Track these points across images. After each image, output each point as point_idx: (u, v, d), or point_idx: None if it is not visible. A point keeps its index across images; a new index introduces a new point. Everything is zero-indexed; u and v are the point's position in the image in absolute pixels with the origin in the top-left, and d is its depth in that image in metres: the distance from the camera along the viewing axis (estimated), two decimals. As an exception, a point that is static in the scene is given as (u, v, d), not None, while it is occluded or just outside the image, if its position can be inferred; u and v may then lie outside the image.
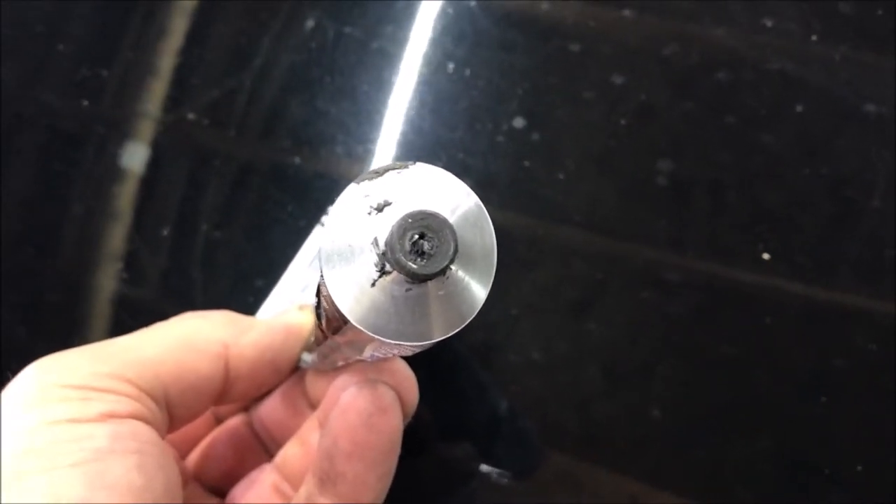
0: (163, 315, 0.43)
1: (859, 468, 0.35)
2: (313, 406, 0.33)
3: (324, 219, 0.31)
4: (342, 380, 0.28)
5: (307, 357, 0.31)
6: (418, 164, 0.23)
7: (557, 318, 0.38)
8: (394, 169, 0.22)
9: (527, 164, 0.40)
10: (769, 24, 0.41)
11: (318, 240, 0.31)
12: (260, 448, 0.34)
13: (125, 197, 0.44)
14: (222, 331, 0.29)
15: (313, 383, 0.32)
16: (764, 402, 0.37)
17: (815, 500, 0.35)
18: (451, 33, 0.42)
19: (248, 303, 0.41)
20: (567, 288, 0.39)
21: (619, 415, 0.38)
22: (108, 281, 0.43)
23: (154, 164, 0.44)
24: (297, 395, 0.33)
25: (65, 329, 0.43)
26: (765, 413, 0.37)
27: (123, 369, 0.25)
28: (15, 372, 0.25)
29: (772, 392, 0.37)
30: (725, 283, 0.38)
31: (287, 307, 0.32)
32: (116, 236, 0.44)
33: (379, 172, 0.22)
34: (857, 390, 0.36)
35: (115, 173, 0.44)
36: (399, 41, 0.43)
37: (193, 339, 0.28)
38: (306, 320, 0.31)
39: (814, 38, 0.40)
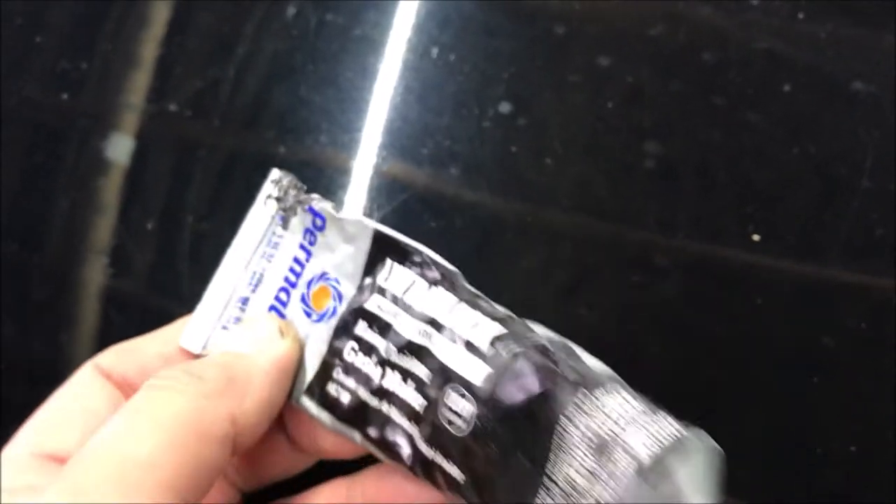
0: (150, 309, 0.43)
1: (853, 448, 0.35)
2: (291, 441, 0.32)
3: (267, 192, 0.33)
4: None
5: (308, 403, 0.30)
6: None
7: (547, 302, 0.38)
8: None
9: (514, 149, 0.40)
10: (755, 2, 0.40)
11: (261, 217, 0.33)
12: (231, 487, 0.33)
13: (110, 189, 0.44)
14: (225, 403, 0.26)
15: (296, 422, 0.32)
16: (755, 383, 0.37)
17: (807, 482, 0.35)
18: (435, 18, 0.42)
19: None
20: (556, 272, 0.39)
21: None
22: (94, 274, 0.43)
23: (139, 155, 0.44)
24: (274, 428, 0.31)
25: (52, 324, 0.43)
26: (756, 393, 0.37)
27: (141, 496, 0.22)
28: (4, 371, 0.24)
29: (763, 372, 0.37)
30: (715, 264, 0.38)
31: (259, 326, 0.31)
32: (102, 229, 0.43)
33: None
34: (849, 370, 0.36)
35: (99, 165, 0.44)
36: (382, 27, 0.42)
37: (198, 429, 0.24)
38: (293, 350, 0.30)
39: (801, 15, 0.40)
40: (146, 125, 0.44)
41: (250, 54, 0.43)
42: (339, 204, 0.40)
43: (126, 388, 0.30)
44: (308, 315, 0.32)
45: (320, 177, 0.41)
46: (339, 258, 0.31)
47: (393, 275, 0.30)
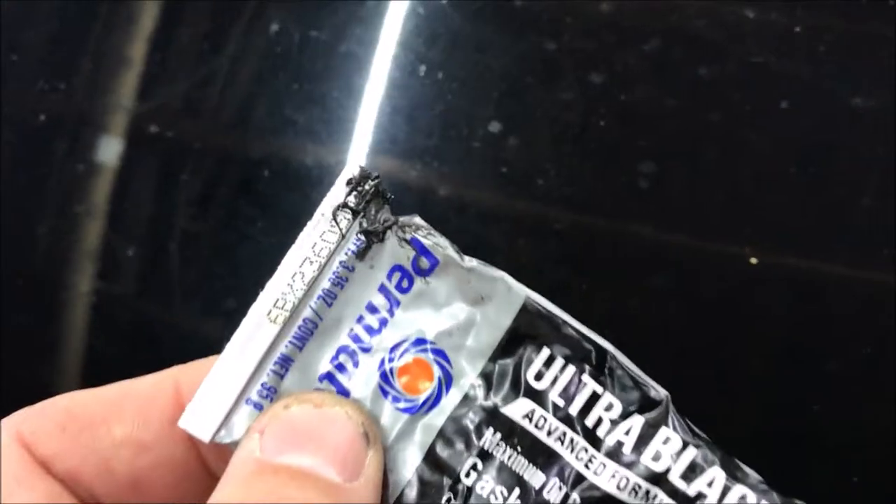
0: (140, 313, 0.42)
1: (855, 479, 0.34)
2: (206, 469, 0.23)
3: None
4: None
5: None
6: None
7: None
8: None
9: (504, 170, 0.39)
10: (751, 14, 0.39)
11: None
12: None
13: (99, 192, 0.43)
14: None
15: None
16: (748, 396, 0.36)
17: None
18: (423, 34, 0.41)
19: (226, 307, 0.39)
20: (551, 299, 0.38)
21: None
22: (83, 279, 0.42)
23: (127, 161, 0.43)
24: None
25: (40, 328, 0.42)
26: (751, 392, 0.36)
27: None
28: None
29: (757, 393, 0.36)
30: (712, 286, 0.37)
31: (334, 425, 0.20)
32: (91, 233, 0.42)
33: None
34: (854, 400, 0.35)
35: (88, 168, 0.43)
36: (368, 44, 0.41)
37: None
38: (381, 467, 0.20)
39: (798, 29, 0.39)
40: (128, 148, 0.43)
41: (231, 74, 0.42)
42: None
43: (73, 486, 0.21)
44: (385, 395, 0.21)
45: (305, 200, 0.40)
46: (451, 323, 0.22)
47: (564, 376, 0.21)
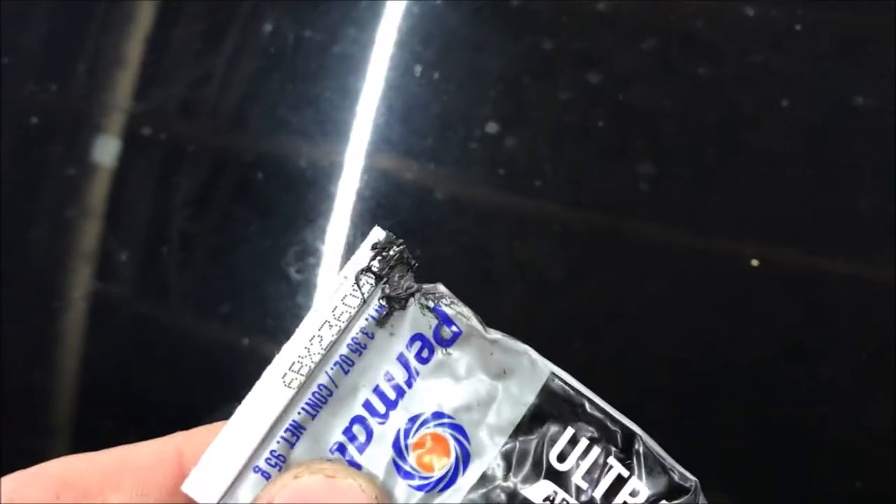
0: (137, 314, 0.42)
1: (857, 484, 0.34)
2: None
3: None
4: None
5: None
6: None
7: (541, 337, 0.37)
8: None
9: (502, 171, 0.38)
10: (751, 13, 0.39)
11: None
12: None
13: (96, 193, 0.42)
14: None
15: None
16: (750, 387, 0.36)
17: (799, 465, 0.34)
18: (418, 34, 0.40)
19: (221, 311, 0.39)
20: (549, 300, 0.37)
21: (603, 392, 0.36)
22: (79, 280, 0.42)
23: (123, 162, 0.42)
24: None
25: (37, 330, 0.42)
26: (747, 393, 0.36)
27: None
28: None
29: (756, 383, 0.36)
30: (711, 289, 0.37)
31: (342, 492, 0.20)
32: (88, 234, 0.42)
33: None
34: (856, 402, 0.35)
35: (85, 169, 0.43)
36: (363, 44, 0.41)
37: None
38: None
39: (798, 27, 0.38)
40: (125, 148, 0.42)
41: (225, 74, 0.42)
42: (319, 233, 0.39)
43: None
44: (404, 475, 0.20)
45: (300, 203, 0.39)
46: (471, 397, 0.21)
47: (588, 458, 0.20)
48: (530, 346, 0.21)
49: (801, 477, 0.35)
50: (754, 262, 0.36)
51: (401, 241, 0.21)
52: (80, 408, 0.41)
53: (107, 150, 0.43)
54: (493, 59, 0.39)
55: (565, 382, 0.20)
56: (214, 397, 0.38)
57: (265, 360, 0.20)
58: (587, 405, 0.20)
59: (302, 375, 0.20)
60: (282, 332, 0.38)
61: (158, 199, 0.42)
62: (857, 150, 0.37)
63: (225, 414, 0.20)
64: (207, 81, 0.42)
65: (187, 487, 0.19)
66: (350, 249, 0.38)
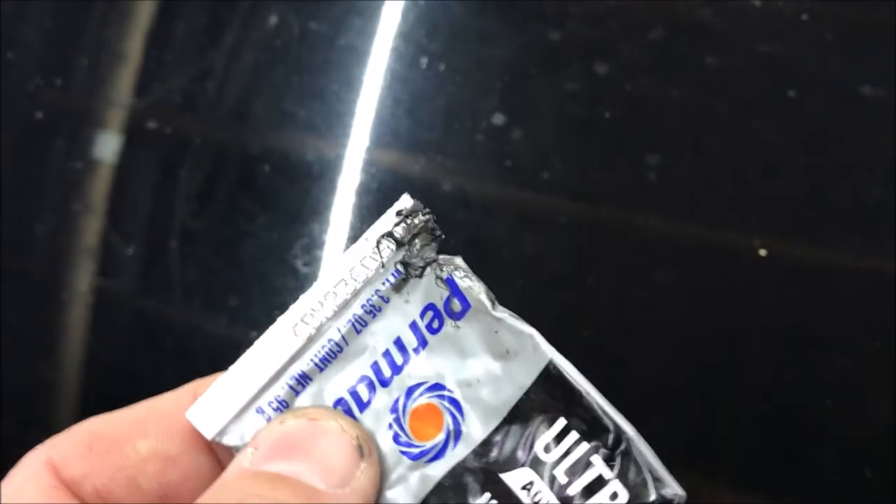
0: (140, 310, 0.42)
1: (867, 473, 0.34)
2: None
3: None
4: None
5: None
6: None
7: (545, 332, 0.37)
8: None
9: (509, 163, 0.38)
10: (757, 3, 0.38)
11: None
12: None
13: (98, 189, 0.42)
14: None
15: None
16: (752, 377, 0.36)
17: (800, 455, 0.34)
18: (424, 25, 0.40)
19: (227, 304, 0.39)
20: (557, 294, 0.37)
21: (610, 382, 0.36)
22: (83, 275, 0.41)
23: (126, 157, 0.42)
24: None
25: (40, 326, 0.42)
26: (759, 382, 0.36)
27: None
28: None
29: (762, 369, 0.36)
30: (718, 280, 0.36)
31: (329, 437, 0.20)
32: (90, 230, 0.42)
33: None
34: (865, 392, 0.35)
35: (86, 165, 0.42)
36: (368, 36, 0.40)
37: None
38: (374, 481, 0.20)
39: (805, 17, 0.38)
40: (127, 142, 0.42)
41: (230, 67, 0.41)
42: (325, 226, 0.39)
43: None
44: (397, 440, 0.21)
45: (306, 196, 0.39)
46: (473, 373, 0.21)
47: (574, 453, 0.20)
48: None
49: (807, 467, 0.35)
50: (762, 252, 0.36)
51: (427, 210, 0.21)
52: (84, 402, 0.41)
53: (110, 145, 0.42)
54: (499, 50, 0.39)
55: (566, 372, 0.20)
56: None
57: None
58: (584, 398, 0.20)
59: (312, 328, 0.20)
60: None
61: (163, 193, 0.41)
62: (864, 139, 0.37)
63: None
64: (212, 75, 0.42)
65: (190, 414, 0.20)
66: (356, 242, 0.38)
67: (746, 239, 0.36)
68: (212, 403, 0.20)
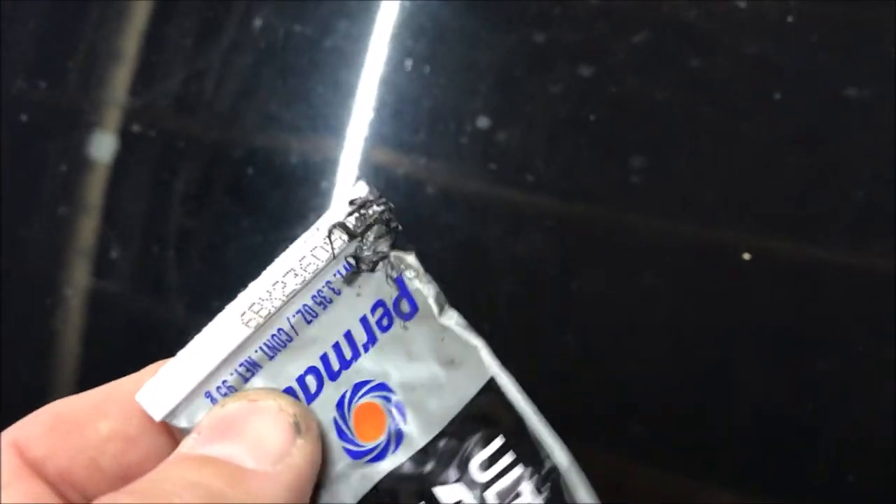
0: (135, 310, 0.42)
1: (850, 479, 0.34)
2: None
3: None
4: None
5: None
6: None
7: (532, 335, 0.37)
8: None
9: (493, 166, 0.38)
10: (743, 4, 0.38)
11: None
12: None
13: (94, 189, 0.42)
14: None
15: None
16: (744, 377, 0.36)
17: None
18: (409, 27, 0.40)
19: (212, 307, 0.39)
20: (540, 298, 0.37)
21: (597, 386, 0.36)
22: (78, 275, 0.41)
23: (117, 160, 0.42)
24: None
25: (34, 327, 0.42)
26: (747, 383, 0.35)
27: None
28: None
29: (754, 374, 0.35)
30: (705, 282, 0.36)
31: (265, 417, 0.20)
32: (86, 230, 0.42)
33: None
34: (851, 395, 0.35)
35: (82, 165, 0.42)
36: (354, 38, 0.40)
37: None
38: (311, 459, 0.20)
39: (790, 18, 0.38)
40: (120, 146, 0.42)
41: (215, 70, 0.41)
42: (308, 227, 0.38)
43: (65, 488, 0.21)
44: (341, 436, 0.20)
45: (292, 199, 0.39)
46: (417, 377, 0.20)
47: (508, 476, 0.19)
48: (488, 342, 0.20)
49: (795, 469, 0.35)
50: (746, 256, 0.36)
51: (383, 200, 0.21)
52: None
53: (101, 147, 0.42)
54: (484, 52, 0.39)
55: (506, 391, 0.20)
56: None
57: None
58: (523, 420, 0.19)
59: (261, 317, 0.20)
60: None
61: (153, 195, 0.41)
62: (850, 141, 0.36)
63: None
64: (199, 77, 0.42)
65: (139, 396, 0.20)
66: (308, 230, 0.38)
67: (734, 240, 0.36)
68: (160, 386, 0.20)
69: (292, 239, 0.39)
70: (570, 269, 0.37)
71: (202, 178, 0.41)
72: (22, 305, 0.42)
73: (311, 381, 0.21)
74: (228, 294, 0.39)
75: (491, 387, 0.20)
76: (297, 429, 0.19)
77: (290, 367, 0.21)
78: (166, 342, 0.41)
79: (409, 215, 0.38)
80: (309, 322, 0.21)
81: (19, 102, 0.44)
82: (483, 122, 0.38)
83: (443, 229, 0.38)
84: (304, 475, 0.19)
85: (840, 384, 0.35)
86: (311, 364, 0.21)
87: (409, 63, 0.39)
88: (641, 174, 0.37)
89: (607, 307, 0.37)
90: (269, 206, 0.39)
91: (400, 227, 0.21)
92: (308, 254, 0.21)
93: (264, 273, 0.21)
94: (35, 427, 0.21)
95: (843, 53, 0.37)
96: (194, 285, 0.40)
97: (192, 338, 0.20)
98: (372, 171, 0.39)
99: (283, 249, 0.38)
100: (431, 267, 0.38)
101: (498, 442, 0.19)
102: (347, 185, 0.19)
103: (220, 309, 0.39)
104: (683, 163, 0.37)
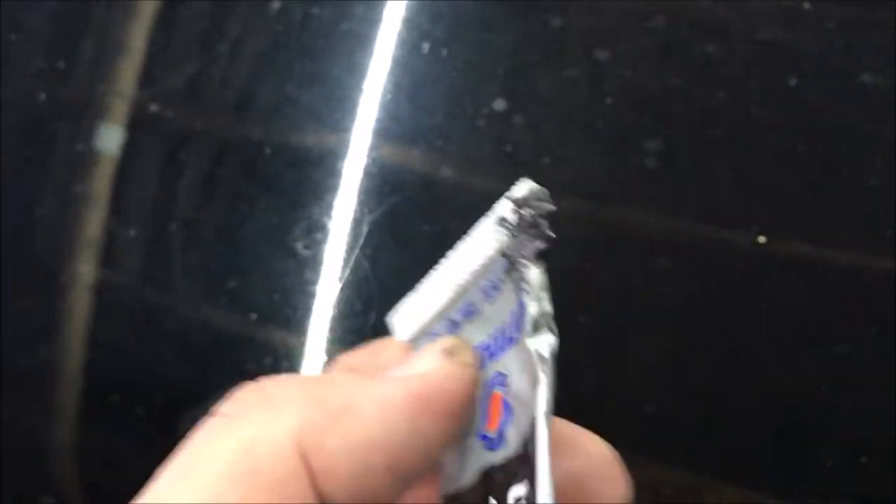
0: (143, 301, 0.42)
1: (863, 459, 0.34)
2: None
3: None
4: None
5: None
6: None
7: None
8: None
9: (509, 148, 0.38)
10: (759, -9, 0.39)
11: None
12: None
13: (101, 181, 0.42)
14: (293, 423, 0.19)
15: None
16: (757, 376, 0.36)
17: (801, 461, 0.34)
18: (426, 11, 0.40)
19: (227, 287, 0.39)
20: (554, 280, 0.37)
21: (606, 385, 0.37)
22: (85, 267, 0.42)
23: (128, 148, 0.42)
24: None
25: (43, 314, 0.42)
26: (759, 383, 0.36)
27: None
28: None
29: (766, 370, 0.36)
30: (718, 271, 0.37)
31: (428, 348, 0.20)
32: (93, 222, 0.42)
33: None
34: (861, 383, 0.35)
35: (89, 157, 0.43)
36: (371, 21, 0.40)
37: (255, 459, 0.18)
38: (453, 377, 0.20)
39: (806, 5, 0.38)
40: (133, 128, 0.42)
41: (233, 52, 0.42)
42: (326, 210, 0.39)
43: None
44: (482, 414, 0.21)
45: (307, 180, 0.39)
46: (522, 388, 0.20)
47: None
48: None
49: (805, 461, 0.35)
50: (761, 239, 0.36)
51: (545, 198, 0.20)
52: (86, 385, 0.42)
53: (112, 133, 0.43)
54: (501, 36, 0.39)
55: (539, 436, 0.18)
56: (221, 371, 0.39)
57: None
58: (535, 472, 0.18)
59: (462, 281, 0.21)
60: (289, 307, 0.38)
61: (166, 177, 0.42)
62: (864, 127, 0.37)
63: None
64: (214, 61, 0.42)
65: (393, 318, 0.22)
66: (357, 225, 0.38)
67: (747, 227, 0.36)
68: (408, 313, 0.22)
69: (308, 219, 0.39)
70: (583, 253, 0.37)
71: (216, 160, 0.41)
72: (32, 287, 0.43)
73: (484, 353, 0.21)
74: (245, 274, 0.40)
75: (534, 425, 0.19)
76: (448, 352, 0.20)
77: (475, 336, 0.21)
78: (175, 327, 0.41)
79: (424, 197, 0.39)
80: (488, 300, 0.21)
81: (35, 83, 0.44)
82: (500, 105, 0.39)
83: (458, 211, 0.38)
84: (430, 386, 0.19)
85: (850, 375, 0.35)
86: (484, 340, 0.21)
87: (425, 46, 0.40)
88: (656, 158, 0.37)
89: (621, 291, 0.37)
90: (285, 187, 0.39)
91: (548, 232, 0.20)
92: (483, 240, 0.21)
93: (463, 251, 0.21)
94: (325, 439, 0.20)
95: (858, 41, 0.38)
96: (210, 265, 0.40)
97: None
98: (388, 153, 0.39)
99: (300, 229, 0.38)
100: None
101: (523, 488, 0.19)
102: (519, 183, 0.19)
103: (236, 288, 0.39)
104: (698, 148, 0.38)
